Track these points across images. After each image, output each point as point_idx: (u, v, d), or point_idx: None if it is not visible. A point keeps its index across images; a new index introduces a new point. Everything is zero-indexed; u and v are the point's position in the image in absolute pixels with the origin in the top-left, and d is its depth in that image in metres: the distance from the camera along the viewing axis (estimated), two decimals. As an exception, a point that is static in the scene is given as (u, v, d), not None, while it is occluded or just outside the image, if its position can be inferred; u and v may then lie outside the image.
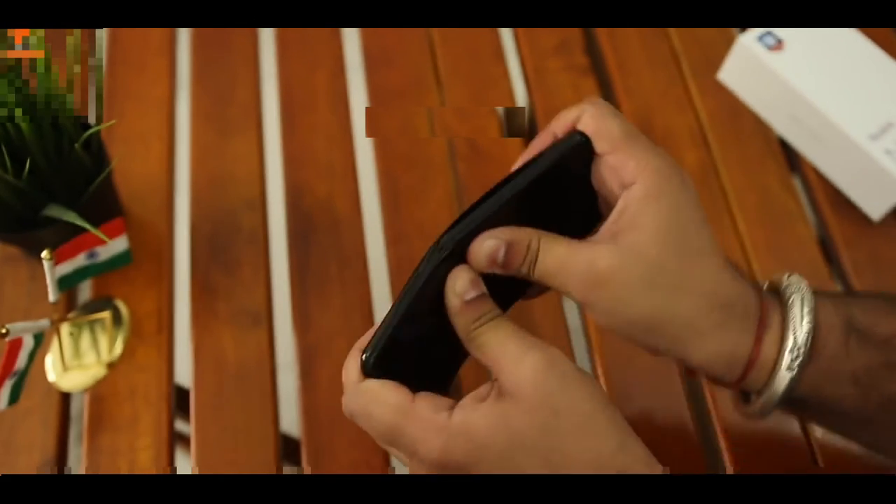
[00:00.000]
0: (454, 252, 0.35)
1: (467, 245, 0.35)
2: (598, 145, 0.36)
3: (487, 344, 0.34)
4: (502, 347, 0.33)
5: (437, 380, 0.37)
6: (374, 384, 0.34)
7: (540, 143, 0.38)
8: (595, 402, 0.33)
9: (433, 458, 0.33)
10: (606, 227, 0.36)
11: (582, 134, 0.37)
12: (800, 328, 0.34)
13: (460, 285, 0.34)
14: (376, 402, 0.34)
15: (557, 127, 0.38)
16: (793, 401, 0.35)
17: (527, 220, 0.36)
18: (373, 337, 0.35)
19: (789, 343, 0.34)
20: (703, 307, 0.34)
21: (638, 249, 0.34)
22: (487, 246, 0.35)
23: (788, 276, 0.37)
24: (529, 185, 0.36)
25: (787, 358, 0.34)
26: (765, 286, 0.38)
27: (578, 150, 0.37)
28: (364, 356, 0.35)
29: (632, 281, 0.34)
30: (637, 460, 0.33)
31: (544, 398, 0.32)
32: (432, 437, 0.32)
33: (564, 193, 0.38)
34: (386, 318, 0.35)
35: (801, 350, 0.34)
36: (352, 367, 0.35)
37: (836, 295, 0.37)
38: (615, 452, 0.32)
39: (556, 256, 0.35)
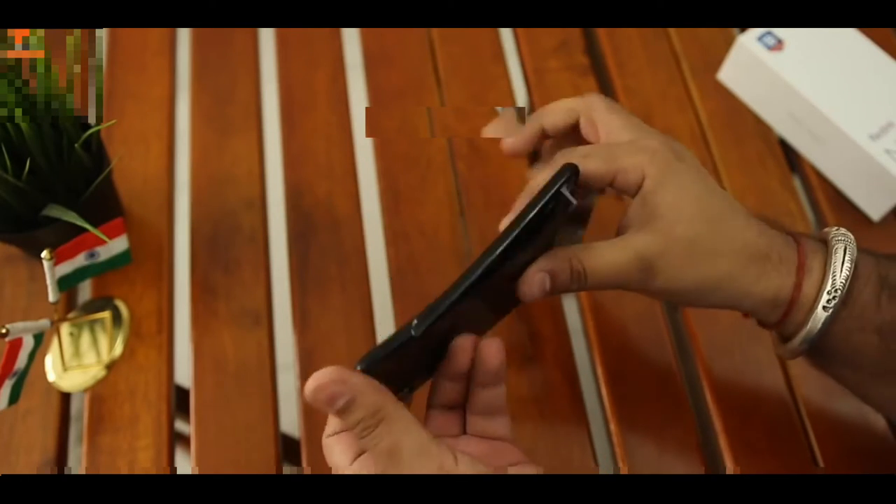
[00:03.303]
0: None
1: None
2: (598, 182, 0.40)
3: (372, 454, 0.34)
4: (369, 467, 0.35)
5: (409, 384, 0.40)
6: (328, 442, 0.37)
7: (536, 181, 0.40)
8: None
9: None
10: (633, 220, 0.39)
11: (572, 170, 0.38)
12: (839, 273, 0.37)
13: (324, 399, 0.33)
14: (328, 455, 0.37)
15: (549, 120, 0.41)
16: (825, 345, 0.38)
17: (530, 253, 0.38)
18: (371, 351, 0.35)
19: (828, 285, 0.37)
20: (740, 264, 0.38)
21: (668, 232, 0.38)
22: (537, 280, 0.38)
23: (836, 229, 0.40)
24: (524, 232, 0.37)
25: (824, 298, 0.37)
26: (812, 233, 0.42)
27: (568, 184, 0.38)
28: (359, 366, 0.35)
29: (675, 259, 0.38)
30: None
31: None
32: None
33: (556, 221, 0.39)
34: (392, 337, 0.35)
35: (839, 293, 0.37)
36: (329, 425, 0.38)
37: (877, 254, 0.39)
38: None
39: (606, 263, 0.38)
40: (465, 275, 0.35)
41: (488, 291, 0.37)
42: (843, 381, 0.41)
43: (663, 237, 0.38)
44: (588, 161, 0.39)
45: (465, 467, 0.33)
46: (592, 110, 0.42)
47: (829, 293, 0.37)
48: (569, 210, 0.38)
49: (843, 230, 0.40)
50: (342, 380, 0.33)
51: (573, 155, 0.40)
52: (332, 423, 0.37)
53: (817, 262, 0.39)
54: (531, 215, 0.36)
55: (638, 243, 0.38)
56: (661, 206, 0.38)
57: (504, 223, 0.40)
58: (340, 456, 0.36)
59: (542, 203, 0.36)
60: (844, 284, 0.37)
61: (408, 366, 0.37)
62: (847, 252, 0.38)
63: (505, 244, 0.35)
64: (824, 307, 0.37)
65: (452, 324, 0.37)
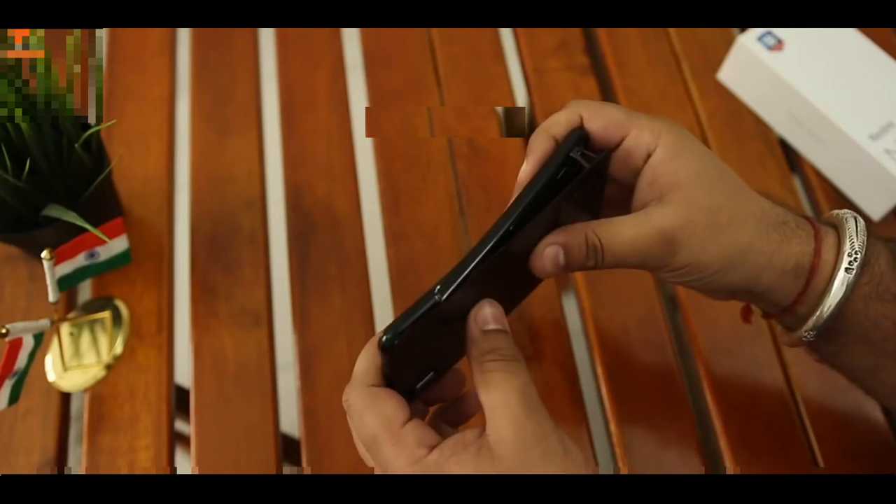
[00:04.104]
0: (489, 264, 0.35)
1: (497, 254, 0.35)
2: (610, 134, 0.38)
3: (493, 384, 0.34)
4: (505, 399, 0.33)
5: (435, 367, 0.38)
6: (381, 392, 0.35)
7: (540, 145, 0.38)
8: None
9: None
10: (644, 197, 0.38)
11: (581, 128, 0.38)
12: (856, 237, 0.37)
13: (481, 317, 0.35)
14: (374, 409, 0.34)
15: (556, 130, 0.39)
16: (840, 323, 0.38)
17: (555, 221, 0.37)
18: (396, 320, 0.34)
19: (846, 247, 0.37)
20: (761, 231, 0.37)
21: (689, 201, 0.36)
22: (549, 254, 0.36)
23: (839, 211, 0.39)
24: (545, 189, 0.36)
25: (845, 261, 0.37)
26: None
27: (580, 143, 0.37)
28: (384, 337, 0.33)
29: (698, 230, 0.36)
30: None
31: (522, 469, 0.32)
32: (403, 466, 0.33)
33: (584, 190, 0.38)
34: (414, 305, 0.34)
35: (859, 255, 0.37)
36: (367, 361, 0.36)
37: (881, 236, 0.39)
38: None
39: (625, 238, 0.36)
40: (483, 238, 0.35)
41: (501, 267, 0.36)
42: (852, 370, 0.40)
43: (685, 207, 0.36)
44: (606, 109, 0.38)
45: (574, 447, 0.33)
46: (585, 107, 0.40)
47: (849, 255, 0.36)
48: (579, 179, 0.37)
49: (846, 210, 0.39)
50: (503, 316, 0.36)
51: (589, 104, 0.39)
52: (372, 373, 0.35)
53: (830, 232, 0.38)
54: (546, 178, 0.36)
55: (658, 216, 0.36)
56: (680, 174, 0.37)
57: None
58: (395, 409, 0.34)
59: (556, 165, 0.36)
60: (862, 246, 0.37)
61: (427, 346, 0.36)
62: (858, 221, 0.38)
63: (523, 205, 0.35)
64: (847, 269, 0.36)
65: (469, 300, 0.36)
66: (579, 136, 0.38)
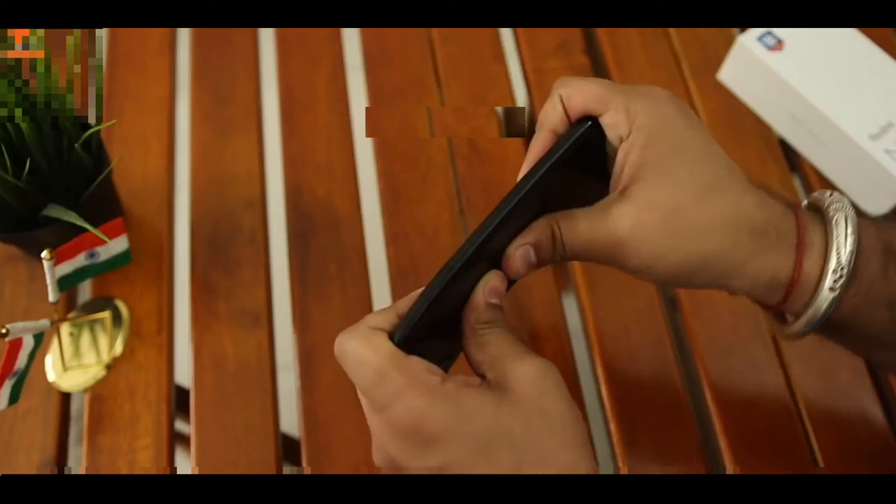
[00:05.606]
0: (481, 255, 0.35)
1: (494, 242, 0.35)
2: (591, 110, 0.36)
3: (490, 343, 0.35)
4: (503, 348, 0.34)
5: (449, 353, 0.38)
6: (378, 331, 0.33)
7: (540, 143, 0.37)
8: (578, 417, 0.33)
9: (407, 418, 0.31)
10: (613, 185, 0.36)
11: (592, 119, 0.36)
12: (843, 248, 0.34)
13: (490, 288, 0.35)
14: (373, 345, 0.32)
15: (551, 123, 0.37)
16: (831, 323, 0.35)
17: (547, 205, 0.36)
18: (403, 320, 0.34)
19: (832, 263, 0.34)
20: (731, 240, 0.34)
21: (647, 200, 0.33)
22: (519, 255, 0.35)
23: (830, 194, 0.36)
24: (547, 172, 0.35)
25: (829, 278, 0.34)
26: (804, 203, 0.38)
27: (589, 134, 0.36)
28: (395, 336, 0.34)
29: (653, 233, 0.33)
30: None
31: (536, 398, 0.32)
32: (415, 395, 0.31)
33: (582, 174, 0.37)
34: (416, 302, 0.34)
35: (845, 271, 0.33)
36: (378, 317, 0.34)
37: (876, 220, 0.37)
38: (585, 466, 0.32)
39: (580, 235, 0.35)
40: (485, 221, 0.34)
41: (497, 252, 0.36)
42: (850, 349, 0.39)
43: (640, 207, 0.33)
44: (586, 85, 0.35)
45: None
46: (566, 86, 0.37)
47: (834, 272, 0.33)
48: (559, 156, 0.35)
49: (836, 195, 0.36)
50: (504, 292, 0.36)
51: (570, 82, 0.36)
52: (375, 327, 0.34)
53: (817, 235, 0.35)
54: (544, 168, 0.34)
55: (612, 216, 0.34)
56: (646, 167, 0.33)
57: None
58: (394, 346, 0.33)
59: (560, 152, 0.35)
60: (850, 261, 0.33)
61: (441, 332, 0.36)
62: (849, 223, 0.34)
63: (519, 195, 0.34)
64: (831, 288, 0.33)
65: (469, 286, 0.36)
66: (592, 122, 0.36)
